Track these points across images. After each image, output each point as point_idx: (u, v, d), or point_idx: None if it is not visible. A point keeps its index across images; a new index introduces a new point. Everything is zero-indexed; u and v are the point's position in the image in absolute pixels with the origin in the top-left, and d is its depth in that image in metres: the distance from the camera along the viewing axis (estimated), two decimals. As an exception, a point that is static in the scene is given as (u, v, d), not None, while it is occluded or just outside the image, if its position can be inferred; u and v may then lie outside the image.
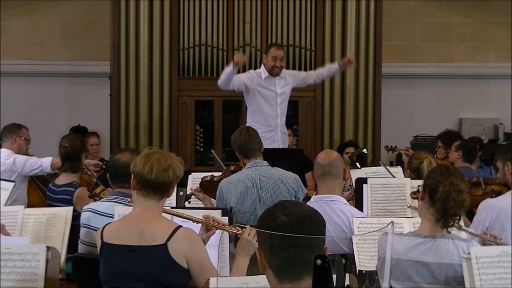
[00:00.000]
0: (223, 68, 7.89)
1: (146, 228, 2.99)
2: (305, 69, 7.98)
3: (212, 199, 4.64)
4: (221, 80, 6.19)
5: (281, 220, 2.02)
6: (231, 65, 6.05)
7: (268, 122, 6.36)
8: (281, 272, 2.03)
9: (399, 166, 5.52)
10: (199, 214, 3.35)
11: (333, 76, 7.31)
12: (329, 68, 6.80)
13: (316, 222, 2.05)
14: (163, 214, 3.16)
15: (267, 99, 6.37)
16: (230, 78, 6.12)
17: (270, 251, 2.04)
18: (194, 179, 4.99)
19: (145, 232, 2.98)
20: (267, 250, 2.04)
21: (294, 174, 4.72)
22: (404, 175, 5.03)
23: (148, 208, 3.05)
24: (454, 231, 3.03)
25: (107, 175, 3.94)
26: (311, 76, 6.68)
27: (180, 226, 3.03)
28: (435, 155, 6.74)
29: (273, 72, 6.33)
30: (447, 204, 2.93)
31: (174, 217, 3.35)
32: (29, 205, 5.14)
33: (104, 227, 3.09)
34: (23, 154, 5.69)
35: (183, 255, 2.96)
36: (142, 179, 3.03)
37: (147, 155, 3.06)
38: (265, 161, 4.73)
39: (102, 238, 3.05)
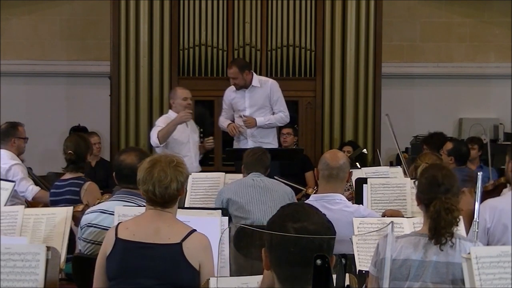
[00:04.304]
0: (223, 68, 7.94)
1: (162, 227, 3.01)
2: (305, 69, 7.99)
3: None
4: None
5: (290, 235, 2.00)
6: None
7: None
8: (284, 282, 2.03)
9: (399, 166, 5.52)
10: (199, 215, 3.35)
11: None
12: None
13: (326, 239, 2.02)
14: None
15: (237, 112, 6.61)
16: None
17: (276, 261, 2.04)
18: (194, 179, 5.01)
19: (160, 231, 3.00)
20: (274, 260, 2.05)
21: (290, 189, 4.92)
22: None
23: (162, 211, 3.07)
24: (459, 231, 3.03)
25: (113, 173, 3.95)
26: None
27: (195, 230, 3.05)
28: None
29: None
30: (437, 225, 2.94)
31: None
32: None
33: (119, 225, 3.09)
34: (22, 152, 5.80)
35: (196, 257, 2.98)
36: (148, 196, 3.05)
37: (148, 172, 3.04)
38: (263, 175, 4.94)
39: (116, 235, 3.04)
